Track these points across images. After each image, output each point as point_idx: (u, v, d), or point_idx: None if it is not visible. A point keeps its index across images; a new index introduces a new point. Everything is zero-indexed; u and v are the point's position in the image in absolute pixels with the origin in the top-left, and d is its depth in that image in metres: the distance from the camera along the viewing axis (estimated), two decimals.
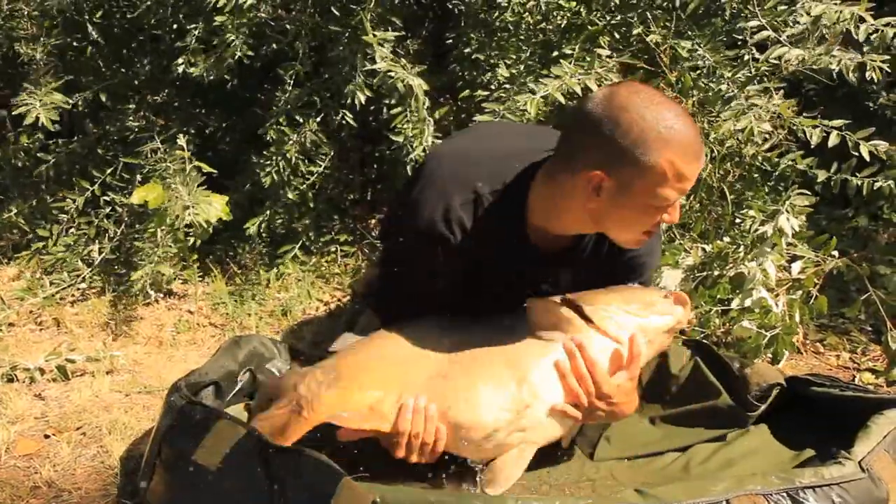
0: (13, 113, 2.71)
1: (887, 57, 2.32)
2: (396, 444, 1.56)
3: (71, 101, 2.84)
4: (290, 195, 2.84)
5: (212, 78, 2.69)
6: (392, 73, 2.38)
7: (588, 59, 2.45)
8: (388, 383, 1.61)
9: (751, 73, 2.44)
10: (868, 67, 2.30)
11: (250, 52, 2.65)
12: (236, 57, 2.61)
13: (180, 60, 2.68)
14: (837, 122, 2.39)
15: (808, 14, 2.32)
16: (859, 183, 2.38)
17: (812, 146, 2.43)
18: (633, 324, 1.65)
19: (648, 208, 1.53)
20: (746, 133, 2.33)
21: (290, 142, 2.75)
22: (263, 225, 2.87)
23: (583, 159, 1.52)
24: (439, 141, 2.40)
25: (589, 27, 2.61)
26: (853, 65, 2.31)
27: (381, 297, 1.91)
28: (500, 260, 1.71)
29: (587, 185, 1.52)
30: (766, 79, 2.48)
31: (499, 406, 1.59)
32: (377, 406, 1.59)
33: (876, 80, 2.33)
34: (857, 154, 2.37)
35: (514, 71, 2.59)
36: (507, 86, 2.54)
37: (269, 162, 2.77)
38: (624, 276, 1.76)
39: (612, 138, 1.47)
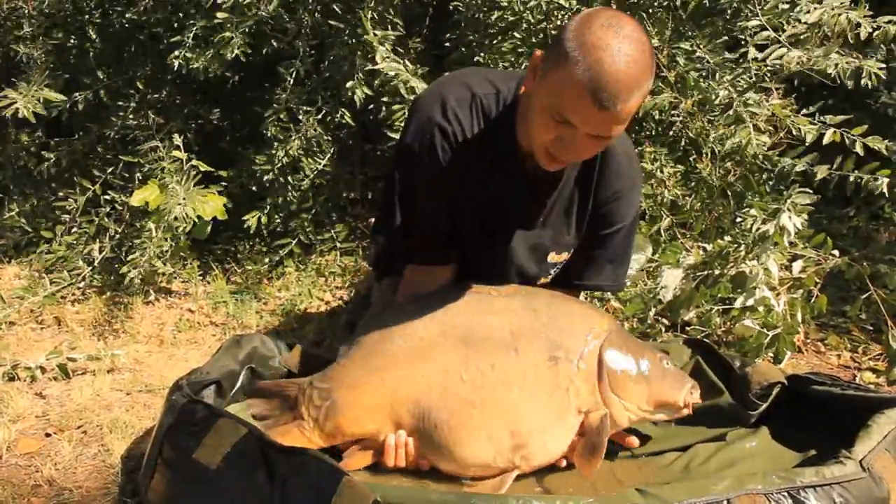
0: (4, 114, 2.70)
1: (883, 65, 2.32)
2: (383, 466, 1.66)
3: (65, 98, 2.84)
4: (289, 192, 2.84)
5: (210, 73, 2.69)
6: (394, 74, 2.38)
7: None
8: (381, 420, 1.67)
9: (750, 76, 2.44)
10: (864, 74, 2.31)
11: (249, 50, 2.64)
12: (234, 54, 2.61)
13: (176, 53, 2.68)
14: (834, 120, 2.39)
15: (807, 13, 2.33)
16: (858, 180, 2.38)
17: (807, 144, 2.43)
18: (642, 418, 1.70)
19: (545, 112, 1.51)
20: (745, 145, 2.34)
21: (292, 137, 2.76)
22: (264, 222, 2.87)
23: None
24: None
25: None
26: (850, 69, 2.32)
27: (388, 226, 1.83)
28: (491, 168, 1.70)
29: (532, 64, 1.56)
30: (766, 78, 2.48)
31: (486, 462, 1.63)
32: (370, 438, 1.68)
33: (871, 86, 2.34)
34: (855, 152, 2.37)
35: None
36: None
37: (268, 158, 2.77)
38: (598, 224, 1.79)
39: (564, 30, 1.49)
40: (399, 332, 1.73)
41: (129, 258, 2.66)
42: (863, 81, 2.34)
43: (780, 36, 2.39)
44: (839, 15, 2.29)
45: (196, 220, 2.65)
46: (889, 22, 2.30)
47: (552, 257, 1.84)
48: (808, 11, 2.35)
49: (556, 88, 1.47)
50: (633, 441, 1.72)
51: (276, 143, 2.77)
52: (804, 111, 2.49)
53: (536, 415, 1.63)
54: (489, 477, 1.63)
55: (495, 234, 1.79)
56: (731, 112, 2.39)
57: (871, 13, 2.33)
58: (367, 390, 1.69)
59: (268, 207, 2.86)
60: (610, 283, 1.91)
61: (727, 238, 2.52)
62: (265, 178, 2.78)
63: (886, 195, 2.35)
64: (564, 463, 1.67)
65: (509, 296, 1.73)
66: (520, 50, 2.67)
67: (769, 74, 2.51)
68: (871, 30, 2.29)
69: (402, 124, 2.48)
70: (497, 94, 1.68)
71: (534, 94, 1.55)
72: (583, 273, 1.88)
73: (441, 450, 1.63)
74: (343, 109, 2.80)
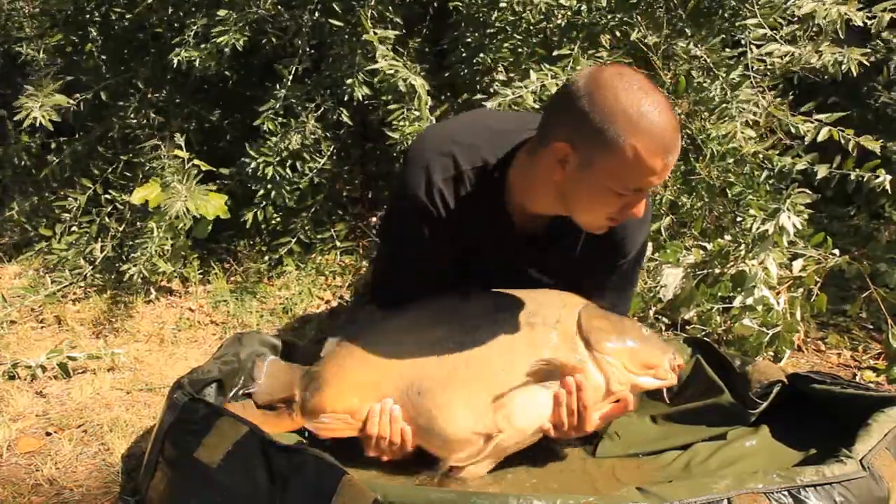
0: (15, 119, 2.71)
1: (867, 50, 2.33)
2: (367, 445, 1.65)
3: (72, 102, 2.84)
4: (288, 190, 2.84)
5: (209, 70, 2.69)
6: (394, 73, 2.38)
7: (582, 59, 2.45)
8: (365, 392, 1.68)
9: (747, 71, 2.44)
10: (846, 61, 2.32)
11: (245, 40, 2.64)
12: (231, 45, 2.60)
13: (175, 52, 2.68)
14: (829, 117, 2.39)
15: (797, 10, 2.34)
16: (858, 178, 2.38)
17: (806, 143, 2.43)
18: (629, 381, 1.67)
19: (608, 192, 1.52)
20: (730, 137, 2.35)
21: (290, 134, 2.76)
22: (261, 218, 2.86)
23: (555, 131, 1.54)
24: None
25: (589, 26, 2.61)
26: (832, 59, 2.33)
27: (378, 283, 1.91)
28: (483, 238, 1.72)
29: (554, 156, 1.54)
30: (763, 77, 2.48)
31: (470, 428, 1.62)
32: (353, 413, 1.67)
33: (884, 76, 2.34)
34: (855, 150, 2.37)
35: (511, 74, 2.59)
36: (505, 90, 2.54)
37: (267, 153, 2.77)
38: (604, 258, 1.78)
39: (585, 112, 1.47)
40: (391, 314, 1.78)
41: (130, 256, 2.66)
42: (843, 68, 2.34)
43: (776, 34, 2.40)
44: (831, 8, 2.30)
45: (195, 218, 2.65)
46: (884, 10, 2.31)
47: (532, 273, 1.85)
48: (801, 6, 2.35)
49: (621, 169, 1.48)
50: (630, 401, 1.67)
51: (273, 139, 2.76)
52: (801, 110, 2.49)
53: (515, 377, 1.63)
54: (473, 455, 1.63)
55: (494, 275, 1.80)
56: (723, 107, 2.39)
57: (861, 5, 2.34)
58: (354, 365, 1.72)
59: (264, 203, 2.85)
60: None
61: (727, 237, 2.52)
62: (261, 173, 2.78)
63: (889, 191, 2.35)
64: (550, 428, 1.63)
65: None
66: (519, 50, 2.67)
67: (765, 75, 2.51)
68: (864, 20, 2.30)
69: (401, 123, 2.49)
70: (484, 167, 1.68)
71: (578, 184, 1.53)
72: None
73: (426, 417, 1.63)
74: (342, 108, 2.80)
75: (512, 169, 1.66)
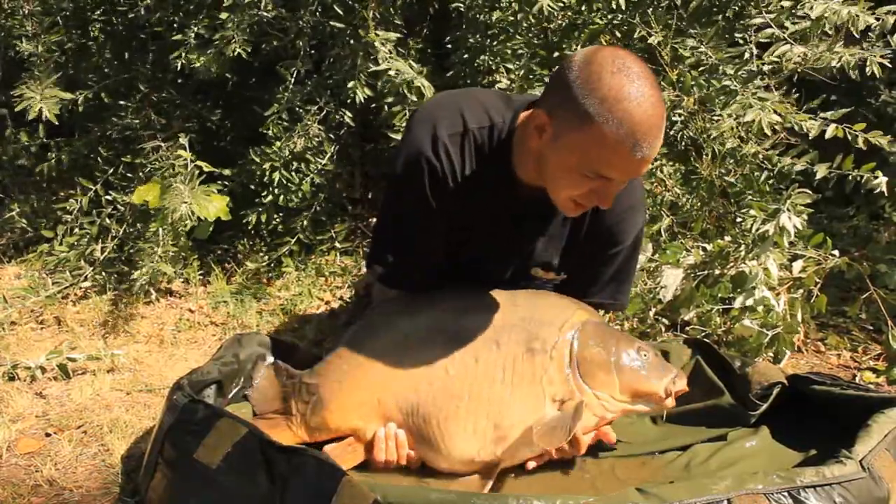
0: (15, 109, 2.70)
1: (888, 51, 2.33)
2: (373, 464, 1.67)
3: (72, 96, 2.83)
4: (290, 191, 2.84)
5: (212, 73, 2.69)
6: (396, 74, 2.38)
7: None
8: (367, 411, 1.68)
9: (753, 70, 2.44)
10: (868, 63, 2.31)
11: (249, 49, 2.65)
12: (235, 52, 2.61)
13: (177, 54, 2.68)
14: (836, 115, 2.39)
15: (810, 11, 2.33)
16: (857, 179, 2.37)
17: (810, 139, 2.43)
18: (621, 408, 1.67)
19: (573, 171, 1.50)
20: (756, 126, 2.33)
21: (293, 136, 2.76)
22: (264, 221, 2.87)
23: (544, 98, 1.55)
24: None
25: (590, 26, 2.61)
26: (854, 61, 2.32)
27: (372, 251, 1.85)
28: (483, 201, 1.69)
29: (533, 122, 1.54)
30: (766, 76, 2.48)
31: (473, 457, 1.64)
32: (356, 435, 1.69)
33: (877, 76, 2.34)
34: (855, 149, 2.37)
35: (513, 76, 2.59)
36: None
37: (269, 156, 2.77)
38: (598, 247, 1.78)
39: (569, 84, 1.46)
40: (385, 327, 1.76)
41: (138, 264, 2.64)
42: (867, 70, 2.33)
43: (784, 33, 2.40)
44: (840, 10, 2.29)
45: (199, 220, 2.65)
46: (889, 13, 2.31)
47: (536, 272, 1.84)
48: (811, 7, 2.35)
49: (587, 148, 1.46)
50: (611, 436, 1.69)
51: (277, 142, 2.77)
52: (806, 107, 2.49)
53: (516, 407, 1.64)
54: (474, 473, 1.64)
55: (485, 260, 1.80)
56: (739, 98, 2.38)
57: (871, 5, 2.34)
58: (353, 385, 1.71)
59: (267, 206, 2.85)
60: (610, 301, 1.87)
61: (727, 238, 2.52)
62: (265, 176, 2.78)
63: (886, 194, 2.35)
64: (550, 452, 1.65)
65: (493, 292, 1.76)
66: (520, 51, 2.67)
67: (770, 74, 2.51)
68: (870, 22, 2.29)
69: (403, 126, 2.49)
70: (491, 127, 1.66)
71: (549, 155, 1.53)
72: (582, 290, 1.84)
73: (429, 443, 1.65)
74: (343, 109, 2.80)
75: (515, 135, 1.65)
